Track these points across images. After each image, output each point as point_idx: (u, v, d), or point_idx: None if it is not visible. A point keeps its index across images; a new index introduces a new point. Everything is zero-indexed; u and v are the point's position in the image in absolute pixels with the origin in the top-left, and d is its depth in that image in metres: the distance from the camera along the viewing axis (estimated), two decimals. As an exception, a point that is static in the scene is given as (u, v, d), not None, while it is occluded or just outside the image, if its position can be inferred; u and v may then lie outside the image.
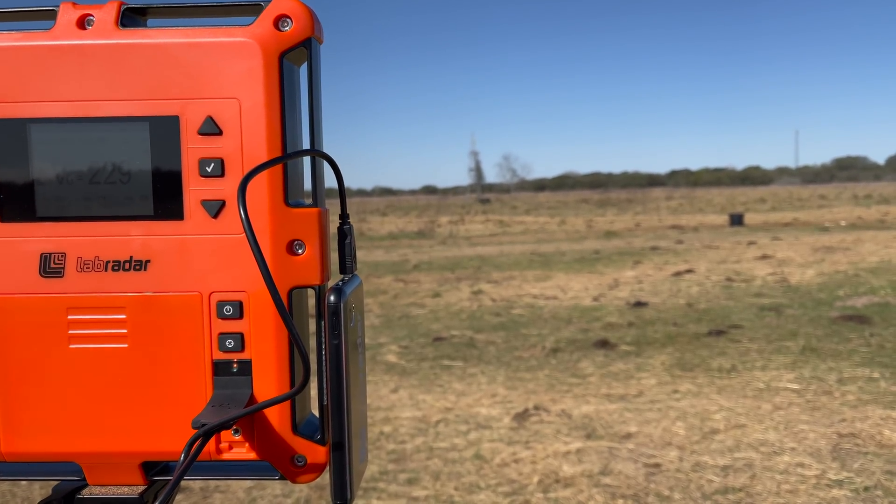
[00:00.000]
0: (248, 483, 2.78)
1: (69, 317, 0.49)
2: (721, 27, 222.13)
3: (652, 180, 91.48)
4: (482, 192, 75.34)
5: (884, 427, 3.27)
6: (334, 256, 0.53)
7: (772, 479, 2.77)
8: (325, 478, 0.50)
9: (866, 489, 2.65)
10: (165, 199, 0.49)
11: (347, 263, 0.52)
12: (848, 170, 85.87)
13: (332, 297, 0.47)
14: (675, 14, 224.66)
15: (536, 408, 3.69)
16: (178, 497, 2.69)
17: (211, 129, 0.48)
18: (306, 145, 0.51)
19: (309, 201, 0.51)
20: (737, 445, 3.12)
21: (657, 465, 2.92)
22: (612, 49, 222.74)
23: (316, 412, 0.53)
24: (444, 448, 3.18)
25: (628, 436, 3.27)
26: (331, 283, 0.49)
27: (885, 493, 2.62)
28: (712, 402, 3.74)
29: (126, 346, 0.49)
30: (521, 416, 3.57)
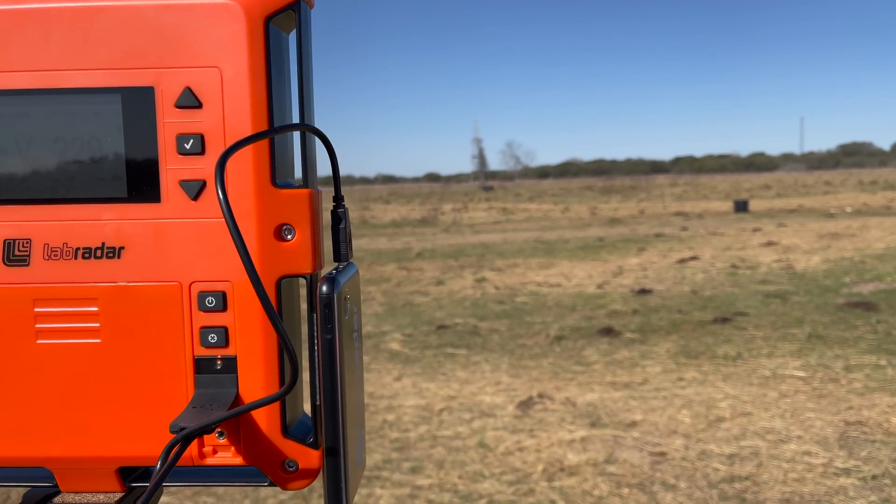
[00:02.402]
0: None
1: (36, 309, 0.45)
2: (726, 13, 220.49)
3: (656, 167, 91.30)
4: (485, 179, 75.27)
5: (891, 415, 3.23)
6: (330, 242, 0.48)
7: (778, 467, 2.74)
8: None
9: (874, 477, 2.62)
10: (140, 179, 0.44)
11: (342, 250, 0.48)
12: (853, 156, 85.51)
13: (324, 288, 0.43)
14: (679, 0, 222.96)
15: (540, 396, 3.66)
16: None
17: (189, 101, 0.44)
18: (296, 120, 0.46)
19: (299, 182, 0.47)
20: (743, 433, 3.09)
21: (663, 454, 2.89)
22: (616, 35, 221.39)
23: (308, 411, 0.49)
24: (448, 436, 3.16)
25: (633, 424, 3.24)
26: (324, 272, 0.45)
27: (894, 481, 2.58)
28: (718, 390, 3.71)
29: (99, 341, 0.45)
30: (525, 405, 3.54)
